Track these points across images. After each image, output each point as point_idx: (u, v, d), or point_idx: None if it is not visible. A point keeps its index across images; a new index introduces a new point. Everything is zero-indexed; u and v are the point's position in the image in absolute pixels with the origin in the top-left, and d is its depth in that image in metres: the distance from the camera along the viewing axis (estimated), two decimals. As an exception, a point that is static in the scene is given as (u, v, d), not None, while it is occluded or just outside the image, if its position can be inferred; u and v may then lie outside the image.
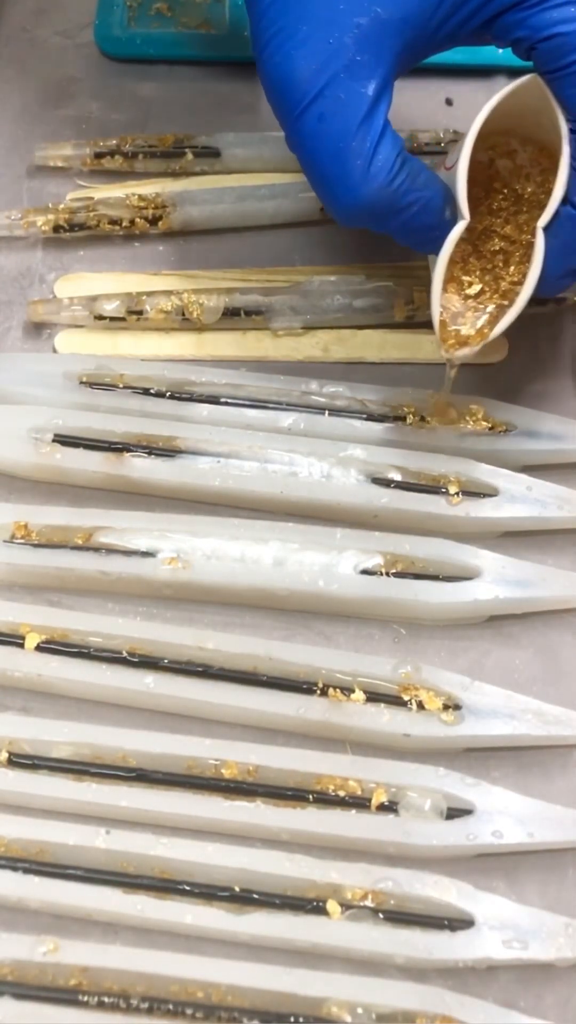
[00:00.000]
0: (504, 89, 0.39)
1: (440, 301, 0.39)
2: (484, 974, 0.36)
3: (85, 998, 0.34)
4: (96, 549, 0.41)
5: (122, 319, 0.47)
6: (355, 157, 0.37)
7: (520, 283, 0.40)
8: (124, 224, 0.49)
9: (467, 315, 0.42)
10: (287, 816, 0.37)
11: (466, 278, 0.42)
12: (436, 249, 0.39)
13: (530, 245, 0.40)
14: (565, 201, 0.38)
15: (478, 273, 0.42)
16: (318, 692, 0.39)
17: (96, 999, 0.34)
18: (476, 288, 0.42)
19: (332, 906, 0.36)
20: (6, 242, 0.49)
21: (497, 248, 0.43)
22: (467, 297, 0.42)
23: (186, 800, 0.37)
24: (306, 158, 0.38)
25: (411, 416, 0.45)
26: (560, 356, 0.48)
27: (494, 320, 0.40)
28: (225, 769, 0.38)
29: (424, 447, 0.44)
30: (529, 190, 0.43)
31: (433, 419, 0.44)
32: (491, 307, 0.41)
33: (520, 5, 0.37)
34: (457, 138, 0.51)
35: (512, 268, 0.42)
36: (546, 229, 0.39)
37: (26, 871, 0.36)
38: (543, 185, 0.42)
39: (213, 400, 0.45)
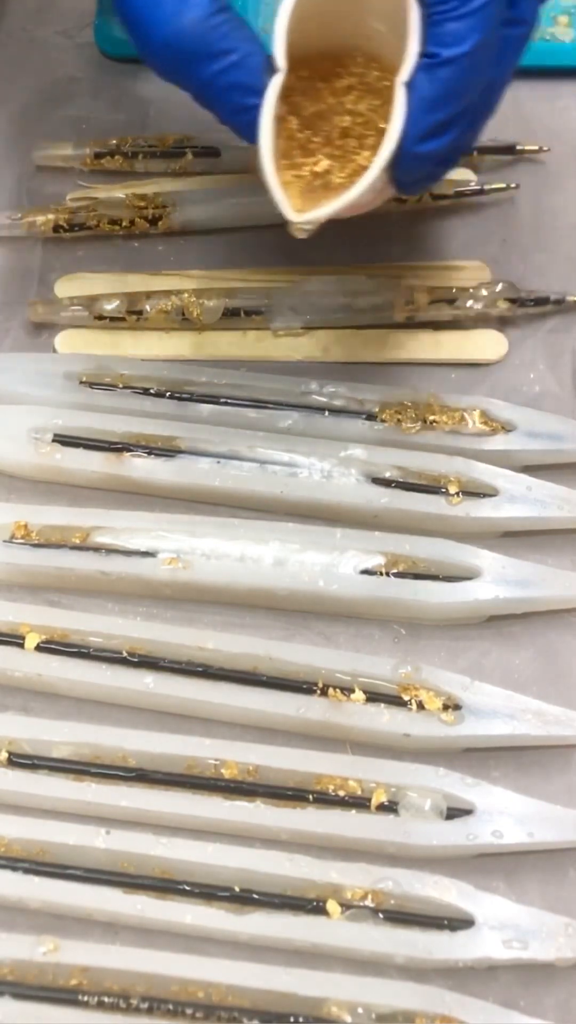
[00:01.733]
0: None
1: (273, 168, 0.36)
2: (484, 974, 0.36)
3: (85, 998, 0.34)
4: (96, 549, 0.41)
5: (122, 319, 0.47)
6: None
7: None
8: (124, 224, 0.49)
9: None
10: (287, 816, 0.37)
11: (310, 160, 0.39)
12: (254, 133, 0.36)
13: (383, 132, 0.37)
14: (423, 52, 0.36)
15: (325, 151, 0.39)
16: (318, 692, 0.39)
17: (96, 999, 0.34)
18: (324, 164, 0.38)
19: (332, 906, 0.36)
20: (6, 242, 0.49)
21: (347, 124, 0.40)
22: (315, 175, 0.39)
23: (186, 800, 0.37)
24: None
25: (411, 416, 0.45)
26: (560, 356, 0.48)
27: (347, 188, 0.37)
28: (225, 769, 0.38)
29: (424, 447, 0.44)
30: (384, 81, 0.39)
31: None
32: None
33: None
34: (457, 138, 0.51)
35: (366, 153, 0.39)
36: (406, 86, 0.36)
37: (26, 871, 0.36)
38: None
39: (213, 400, 0.45)
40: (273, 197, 0.36)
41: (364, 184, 0.36)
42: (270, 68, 0.36)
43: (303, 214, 0.37)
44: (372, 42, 0.39)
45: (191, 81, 0.37)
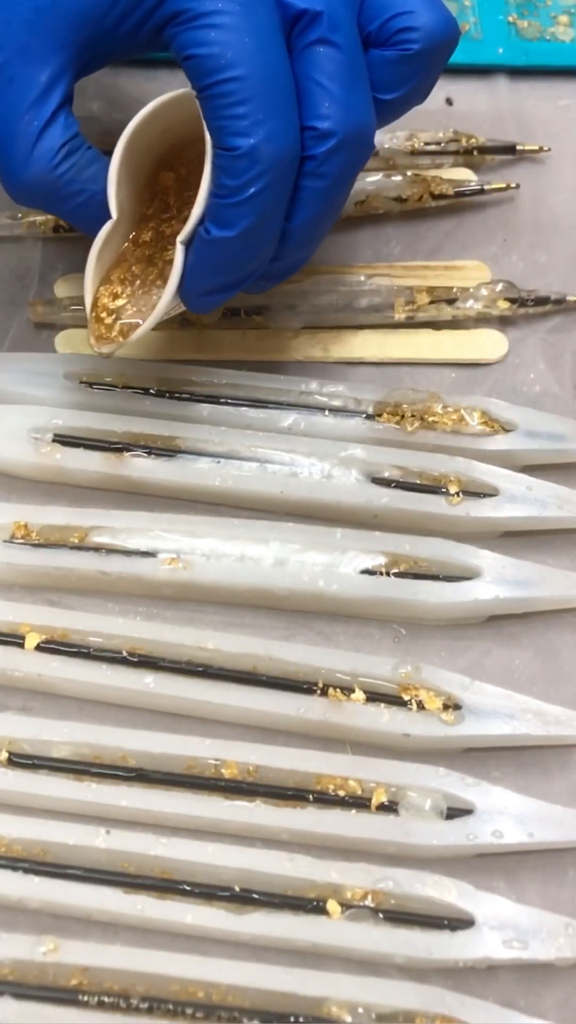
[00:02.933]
0: (167, 95, 0.39)
1: (92, 296, 0.40)
2: (484, 974, 0.36)
3: (85, 998, 0.34)
4: (96, 549, 0.41)
5: (122, 319, 0.47)
6: (20, 139, 0.37)
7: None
8: (124, 224, 0.49)
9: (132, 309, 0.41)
10: (287, 816, 0.37)
11: (117, 288, 0.41)
12: None
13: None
14: (202, 221, 0.38)
15: (128, 281, 0.41)
16: (318, 692, 0.39)
17: (96, 999, 0.34)
18: (120, 302, 0.41)
19: (332, 906, 0.36)
20: (6, 242, 0.49)
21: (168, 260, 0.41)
22: (113, 306, 0.41)
23: (186, 800, 0.37)
24: None
25: (411, 416, 0.45)
26: (560, 356, 0.48)
27: (134, 328, 0.40)
28: (225, 769, 0.38)
29: (424, 447, 0.44)
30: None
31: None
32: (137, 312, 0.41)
33: (172, 20, 0.37)
34: (457, 137, 0.51)
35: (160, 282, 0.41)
36: (186, 245, 0.38)
37: (26, 871, 0.36)
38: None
39: (213, 400, 0.45)
40: (88, 326, 0.40)
41: (143, 329, 0.39)
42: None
43: (101, 344, 0.40)
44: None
45: (53, 214, 0.41)
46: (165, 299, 0.39)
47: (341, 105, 0.37)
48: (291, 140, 0.37)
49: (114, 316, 0.40)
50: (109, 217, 0.39)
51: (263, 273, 0.40)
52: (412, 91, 0.40)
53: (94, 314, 0.40)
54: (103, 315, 0.40)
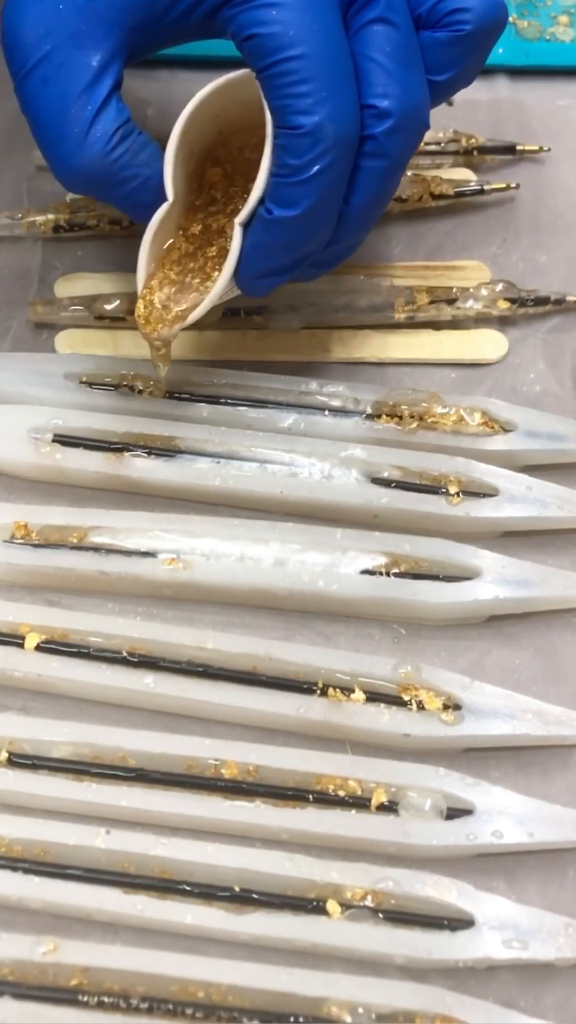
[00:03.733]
0: (224, 77, 0.39)
1: (144, 279, 0.40)
2: (484, 974, 0.36)
3: (85, 998, 0.34)
4: (96, 549, 0.41)
5: (122, 319, 0.47)
6: (73, 124, 0.38)
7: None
8: (124, 224, 0.49)
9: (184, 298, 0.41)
10: (287, 816, 0.37)
11: (167, 275, 0.41)
12: None
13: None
14: (262, 202, 0.38)
15: (172, 272, 0.41)
16: (318, 692, 0.39)
17: (96, 999, 0.34)
18: (165, 292, 0.41)
19: (332, 906, 0.36)
20: (6, 242, 0.49)
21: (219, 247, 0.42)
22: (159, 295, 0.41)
23: (186, 800, 0.37)
24: (30, 120, 0.39)
25: (411, 416, 0.45)
26: (560, 356, 0.48)
27: (193, 308, 0.40)
28: (225, 769, 0.38)
29: (424, 447, 0.44)
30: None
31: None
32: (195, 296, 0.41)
33: (229, 2, 0.37)
34: (457, 137, 0.51)
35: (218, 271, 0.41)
36: (244, 227, 0.38)
37: (26, 871, 0.36)
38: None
39: (213, 400, 0.45)
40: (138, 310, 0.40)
41: (197, 313, 0.40)
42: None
43: (153, 331, 0.40)
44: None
45: (101, 199, 0.40)
46: (222, 280, 0.39)
47: (400, 84, 0.37)
48: (353, 118, 0.37)
49: (160, 305, 0.40)
50: (163, 201, 0.39)
51: (316, 259, 0.40)
52: (462, 72, 0.40)
53: (145, 301, 0.40)
54: (152, 301, 0.40)
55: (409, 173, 0.50)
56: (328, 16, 0.36)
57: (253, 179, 0.38)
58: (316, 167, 0.36)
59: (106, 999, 0.34)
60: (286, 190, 0.37)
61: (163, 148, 0.39)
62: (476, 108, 0.54)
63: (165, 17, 0.38)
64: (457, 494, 0.43)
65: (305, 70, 0.36)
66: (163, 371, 0.43)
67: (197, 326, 0.47)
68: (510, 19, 0.55)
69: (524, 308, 0.48)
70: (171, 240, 0.41)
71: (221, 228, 0.41)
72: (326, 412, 0.45)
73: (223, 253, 0.40)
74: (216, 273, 0.40)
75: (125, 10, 0.38)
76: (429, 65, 0.39)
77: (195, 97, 0.39)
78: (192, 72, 0.53)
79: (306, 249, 0.39)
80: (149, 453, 0.43)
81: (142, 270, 0.40)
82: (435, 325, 0.48)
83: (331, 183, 0.37)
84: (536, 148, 0.52)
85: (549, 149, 0.52)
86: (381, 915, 0.36)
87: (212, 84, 0.39)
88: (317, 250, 0.40)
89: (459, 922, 0.36)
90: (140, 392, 0.45)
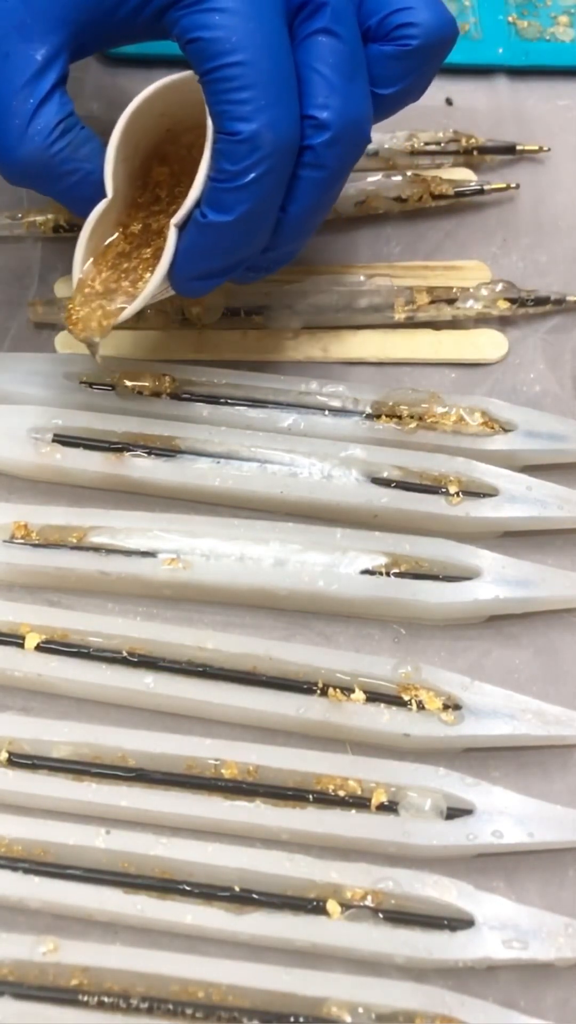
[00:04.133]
0: (169, 78, 0.39)
1: (79, 276, 0.39)
2: (484, 974, 0.36)
3: (85, 998, 0.34)
4: (96, 549, 0.41)
5: (122, 319, 0.47)
6: (14, 116, 0.37)
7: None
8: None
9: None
10: (287, 816, 0.37)
11: (104, 274, 0.41)
12: None
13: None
14: (199, 204, 0.38)
15: (110, 270, 0.41)
16: (318, 692, 0.39)
17: (96, 999, 0.34)
18: (101, 288, 0.40)
19: (332, 906, 0.36)
20: (6, 242, 0.49)
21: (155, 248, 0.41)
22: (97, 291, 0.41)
23: (186, 800, 0.37)
24: None
25: (411, 416, 0.45)
26: (560, 356, 0.48)
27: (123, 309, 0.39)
28: (225, 769, 0.38)
29: (424, 447, 0.44)
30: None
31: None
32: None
33: (176, 4, 0.37)
34: (457, 137, 0.51)
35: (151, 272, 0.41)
36: (180, 228, 0.38)
37: (26, 871, 0.36)
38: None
39: (213, 400, 0.45)
40: (69, 316, 0.40)
41: (127, 312, 0.39)
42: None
43: (84, 334, 0.40)
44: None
45: (43, 193, 0.40)
46: (155, 280, 0.38)
47: (341, 96, 0.37)
48: (292, 128, 0.37)
49: (96, 302, 0.40)
50: (103, 197, 0.39)
51: (253, 264, 0.40)
52: (409, 87, 0.40)
53: (80, 298, 0.40)
54: (87, 299, 0.40)
55: (409, 173, 0.50)
56: (272, 24, 0.36)
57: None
58: (252, 174, 0.36)
59: (106, 999, 0.34)
60: (222, 195, 0.37)
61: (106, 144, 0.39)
62: (476, 108, 0.54)
63: (112, 15, 0.38)
64: (457, 494, 0.43)
65: (246, 77, 0.36)
66: (100, 369, 0.43)
67: (197, 326, 0.47)
68: (510, 19, 0.55)
69: (524, 308, 0.48)
70: (113, 236, 0.41)
71: (160, 229, 0.41)
72: (326, 412, 0.45)
73: (158, 255, 0.39)
74: (148, 274, 0.40)
75: (71, 6, 0.37)
76: (375, 78, 0.39)
77: (139, 96, 0.39)
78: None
79: (240, 255, 0.39)
80: (149, 453, 0.43)
81: (77, 266, 0.39)
82: (435, 325, 0.48)
83: (267, 191, 0.37)
84: (536, 148, 0.52)
85: (549, 149, 0.52)
86: (381, 915, 0.36)
87: (157, 83, 0.39)
88: (252, 255, 0.40)
89: (459, 922, 0.36)
90: (140, 392, 0.45)
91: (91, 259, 0.40)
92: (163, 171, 0.42)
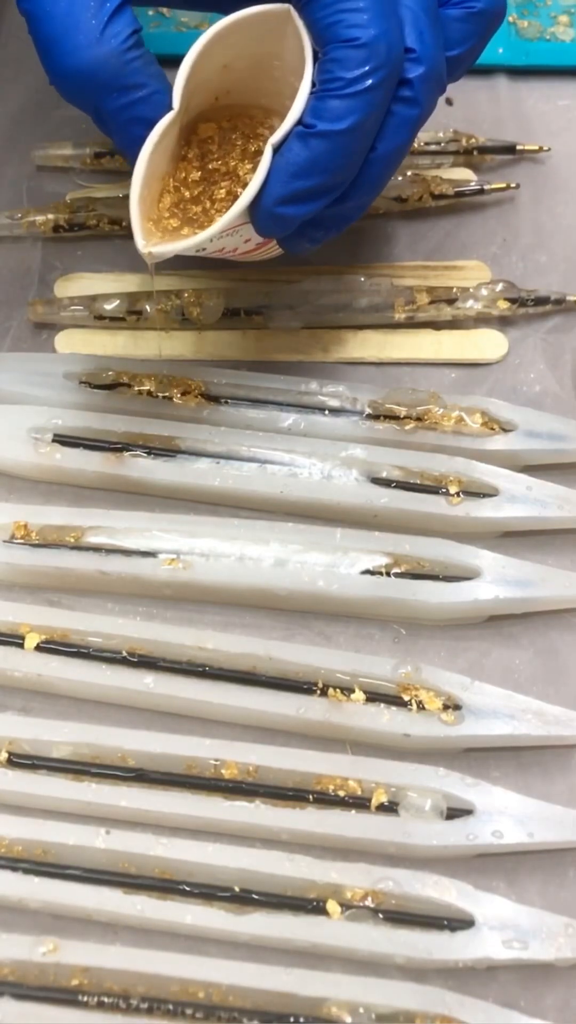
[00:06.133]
0: (255, 7, 0.38)
1: (140, 189, 0.37)
2: (484, 974, 0.36)
3: (85, 998, 0.34)
4: (96, 549, 0.41)
5: (122, 319, 0.47)
6: (91, 16, 0.37)
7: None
8: (124, 224, 0.49)
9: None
10: (287, 816, 0.37)
11: (167, 213, 0.40)
12: None
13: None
14: (300, 122, 0.37)
15: (193, 212, 0.40)
16: (318, 692, 0.39)
17: (96, 999, 0.34)
18: (176, 223, 0.39)
19: (332, 906, 0.36)
20: (6, 242, 0.49)
21: (227, 190, 0.41)
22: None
23: (186, 800, 0.37)
24: (36, 14, 0.38)
25: (410, 416, 0.45)
26: (560, 356, 0.48)
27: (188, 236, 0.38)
28: (225, 769, 0.38)
29: (424, 447, 0.44)
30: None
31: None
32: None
33: None
34: (457, 137, 0.51)
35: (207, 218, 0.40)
36: (276, 149, 0.37)
37: (26, 871, 0.36)
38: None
39: (213, 400, 0.45)
40: (132, 225, 0.37)
41: (208, 233, 0.37)
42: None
43: (152, 244, 0.37)
44: (286, 100, 0.39)
45: (97, 109, 0.39)
46: (246, 196, 0.37)
47: (432, 35, 0.39)
48: (400, 45, 0.37)
49: (161, 232, 0.39)
50: (157, 121, 0.37)
51: (324, 218, 0.40)
52: (470, 50, 0.41)
53: (141, 209, 0.38)
54: (155, 225, 0.39)
55: (409, 173, 0.50)
56: None
57: (252, 134, 0.38)
58: (369, 81, 0.37)
59: (106, 999, 0.34)
60: (333, 103, 0.37)
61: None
62: (476, 108, 0.54)
63: None
64: (457, 494, 0.43)
65: None
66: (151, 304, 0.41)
67: (197, 326, 0.47)
68: (510, 19, 0.55)
69: (524, 308, 0.48)
70: (162, 176, 0.40)
71: (230, 171, 0.40)
72: (326, 412, 0.45)
73: (232, 196, 0.38)
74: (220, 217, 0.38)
75: None
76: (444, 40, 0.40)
77: (225, 19, 0.38)
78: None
79: (337, 176, 0.38)
80: (149, 453, 0.43)
81: (138, 179, 0.37)
82: (435, 325, 0.48)
83: (378, 101, 0.37)
84: (536, 148, 0.52)
85: (549, 149, 0.52)
86: (381, 915, 0.36)
87: (246, 10, 0.38)
88: (342, 186, 0.39)
89: (459, 922, 0.36)
90: (140, 392, 0.45)
91: (151, 177, 0.38)
92: (210, 126, 0.41)
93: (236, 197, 0.38)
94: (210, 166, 0.41)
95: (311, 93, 0.37)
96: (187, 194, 0.40)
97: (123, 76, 0.37)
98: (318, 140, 0.37)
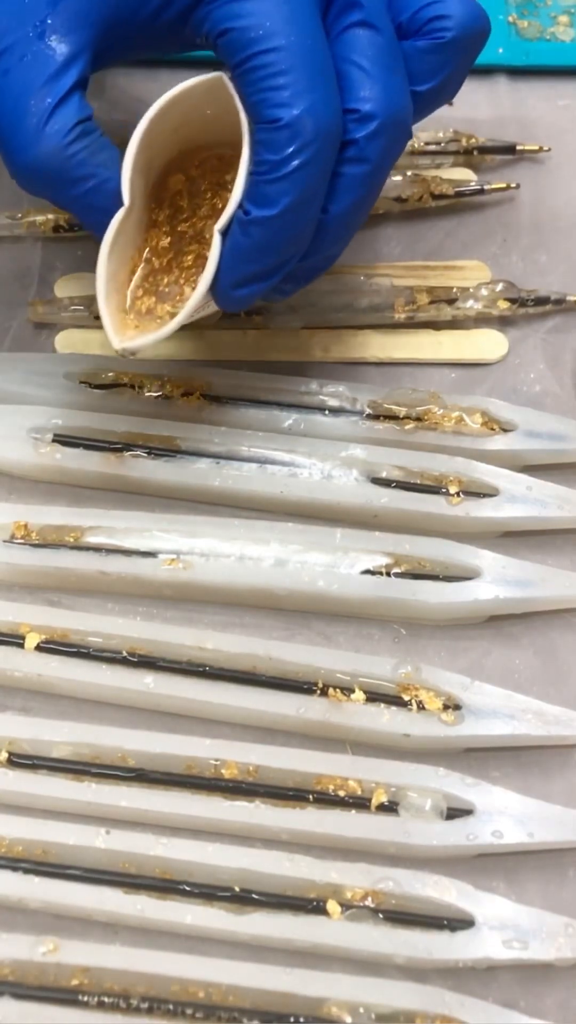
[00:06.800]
0: (194, 79, 0.38)
1: (104, 288, 0.38)
2: (484, 974, 0.36)
3: (85, 998, 0.34)
4: (96, 549, 0.41)
5: (122, 319, 0.47)
6: (32, 115, 0.36)
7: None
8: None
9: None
10: (287, 816, 0.37)
11: (140, 291, 0.40)
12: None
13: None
14: (241, 205, 0.37)
15: (150, 285, 0.40)
16: (318, 692, 0.39)
17: (96, 999, 0.34)
18: (148, 302, 0.40)
19: (332, 906, 0.36)
20: (6, 242, 0.49)
21: (195, 255, 0.41)
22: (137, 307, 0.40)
23: (186, 800, 0.37)
24: None
25: (411, 416, 0.45)
26: (560, 356, 0.48)
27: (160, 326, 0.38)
28: (225, 769, 0.38)
29: (424, 447, 0.44)
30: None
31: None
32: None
33: (203, 0, 0.36)
34: (457, 137, 0.51)
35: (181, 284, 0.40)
36: (223, 234, 0.37)
37: (26, 871, 0.36)
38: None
39: (213, 400, 0.45)
40: (104, 323, 0.38)
41: (174, 324, 0.37)
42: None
43: (126, 339, 0.38)
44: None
45: (55, 200, 0.39)
46: (198, 293, 0.37)
47: (383, 88, 0.37)
48: (333, 115, 0.36)
49: (134, 315, 0.39)
50: (119, 206, 0.38)
51: (291, 273, 0.39)
52: (444, 82, 0.39)
53: (109, 313, 0.38)
54: (127, 313, 0.39)
55: (409, 173, 0.50)
56: (307, 11, 0.36)
57: (220, 183, 0.37)
58: (295, 162, 0.35)
59: (106, 999, 0.34)
60: (264, 187, 0.36)
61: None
62: (476, 108, 0.54)
63: (136, 15, 0.37)
64: (457, 494, 0.43)
65: (283, 62, 0.35)
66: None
67: (197, 326, 0.47)
68: (510, 19, 0.55)
69: (524, 308, 0.48)
70: (142, 256, 0.40)
71: (197, 233, 0.40)
72: (326, 412, 0.45)
73: (200, 262, 0.38)
74: (190, 289, 0.39)
75: (95, 5, 0.37)
76: (411, 75, 0.38)
77: (159, 100, 0.38)
78: (190, 68, 0.53)
79: (284, 255, 0.38)
80: (149, 453, 0.43)
81: (101, 279, 0.38)
82: (435, 325, 0.48)
83: (310, 180, 0.36)
84: (536, 148, 0.52)
85: (549, 149, 0.52)
86: (381, 915, 0.36)
87: (177, 87, 0.38)
88: (295, 257, 0.38)
89: (459, 922, 0.36)
90: (140, 392, 0.45)
91: (113, 271, 0.38)
92: (179, 178, 0.41)
93: (205, 260, 0.38)
94: (179, 228, 0.41)
95: (249, 173, 0.37)
96: (157, 263, 0.40)
97: (68, 171, 0.37)
98: (255, 227, 0.37)
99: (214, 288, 0.38)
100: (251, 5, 0.35)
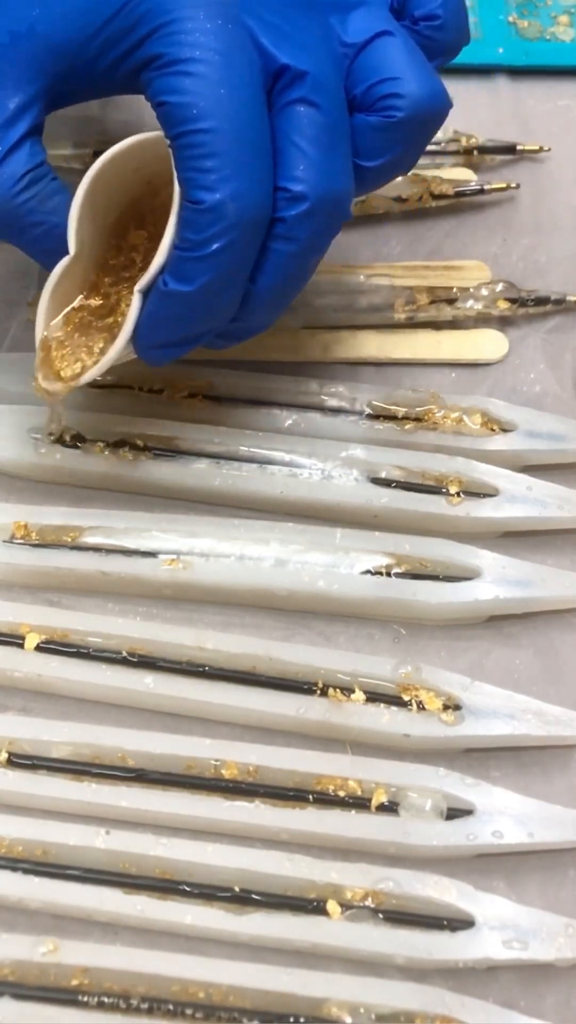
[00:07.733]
0: (136, 136, 0.38)
1: (43, 331, 0.39)
2: (484, 974, 0.36)
3: (85, 998, 0.34)
4: (96, 549, 0.41)
5: (122, 319, 0.47)
6: None
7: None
8: (124, 224, 0.49)
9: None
10: (287, 816, 0.37)
11: (74, 333, 0.40)
12: None
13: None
14: (163, 271, 0.36)
15: (81, 328, 0.40)
16: (318, 692, 0.39)
17: (96, 999, 0.34)
18: (70, 347, 0.40)
19: (332, 906, 0.36)
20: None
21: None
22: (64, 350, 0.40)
23: (186, 800, 0.37)
24: None
25: (410, 416, 0.45)
26: (560, 356, 0.48)
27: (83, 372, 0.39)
28: (225, 769, 0.38)
29: (424, 447, 0.44)
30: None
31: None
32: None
33: (150, 64, 0.36)
34: (457, 137, 0.51)
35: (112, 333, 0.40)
36: (144, 295, 0.37)
37: (26, 871, 0.36)
38: None
39: (213, 400, 0.45)
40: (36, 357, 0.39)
41: (84, 379, 0.39)
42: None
43: (46, 381, 0.39)
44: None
45: (9, 242, 0.39)
46: (117, 345, 0.38)
47: (317, 169, 0.36)
48: (260, 200, 0.35)
49: (63, 358, 0.40)
50: (68, 252, 0.38)
51: (222, 332, 0.39)
52: (394, 160, 0.38)
53: (43, 354, 0.39)
54: (55, 355, 0.40)
55: (409, 173, 0.50)
56: (245, 92, 0.35)
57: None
58: (214, 245, 0.35)
59: (106, 999, 0.34)
60: (184, 264, 0.36)
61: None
62: (476, 108, 0.54)
63: (91, 69, 0.37)
64: (457, 494, 0.43)
65: (212, 145, 0.34)
66: (54, 426, 0.43)
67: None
68: (510, 19, 0.55)
69: (524, 308, 0.48)
70: (80, 296, 0.40)
71: (112, 306, 0.40)
72: (326, 412, 0.45)
73: (120, 325, 0.38)
74: (109, 345, 0.39)
75: (49, 57, 0.37)
76: (359, 149, 0.38)
77: (107, 152, 0.37)
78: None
79: (203, 326, 0.38)
80: (149, 453, 0.43)
81: (40, 324, 0.39)
82: (435, 325, 0.48)
83: (230, 263, 0.36)
84: (536, 148, 0.52)
85: (549, 149, 0.52)
86: (381, 915, 0.36)
87: (125, 141, 0.37)
88: (217, 327, 0.38)
89: (459, 922, 0.36)
90: (140, 392, 0.45)
91: (60, 315, 0.39)
92: (140, 235, 0.41)
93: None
94: (127, 275, 0.40)
95: (172, 245, 0.36)
96: (98, 305, 0.40)
97: (19, 218, 0.37)
98: (172, 300, 0.37)
99: (134, 344, 0.38)
100: (189, 81, 0.35)
